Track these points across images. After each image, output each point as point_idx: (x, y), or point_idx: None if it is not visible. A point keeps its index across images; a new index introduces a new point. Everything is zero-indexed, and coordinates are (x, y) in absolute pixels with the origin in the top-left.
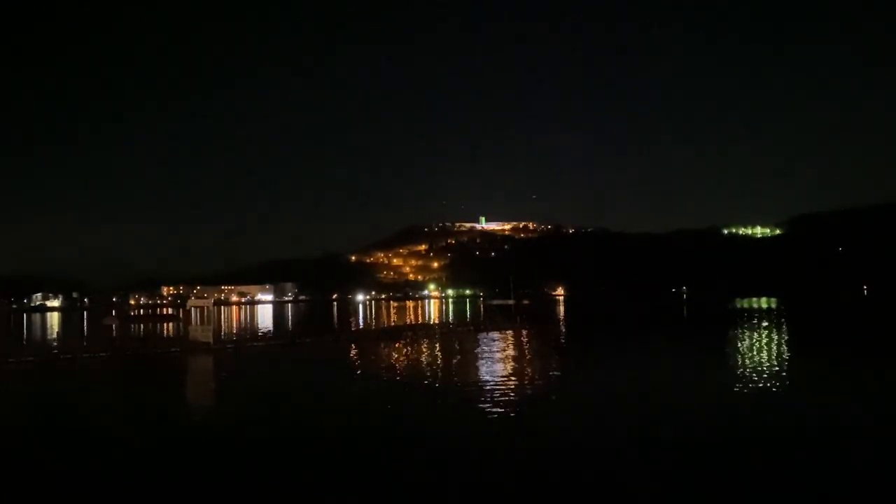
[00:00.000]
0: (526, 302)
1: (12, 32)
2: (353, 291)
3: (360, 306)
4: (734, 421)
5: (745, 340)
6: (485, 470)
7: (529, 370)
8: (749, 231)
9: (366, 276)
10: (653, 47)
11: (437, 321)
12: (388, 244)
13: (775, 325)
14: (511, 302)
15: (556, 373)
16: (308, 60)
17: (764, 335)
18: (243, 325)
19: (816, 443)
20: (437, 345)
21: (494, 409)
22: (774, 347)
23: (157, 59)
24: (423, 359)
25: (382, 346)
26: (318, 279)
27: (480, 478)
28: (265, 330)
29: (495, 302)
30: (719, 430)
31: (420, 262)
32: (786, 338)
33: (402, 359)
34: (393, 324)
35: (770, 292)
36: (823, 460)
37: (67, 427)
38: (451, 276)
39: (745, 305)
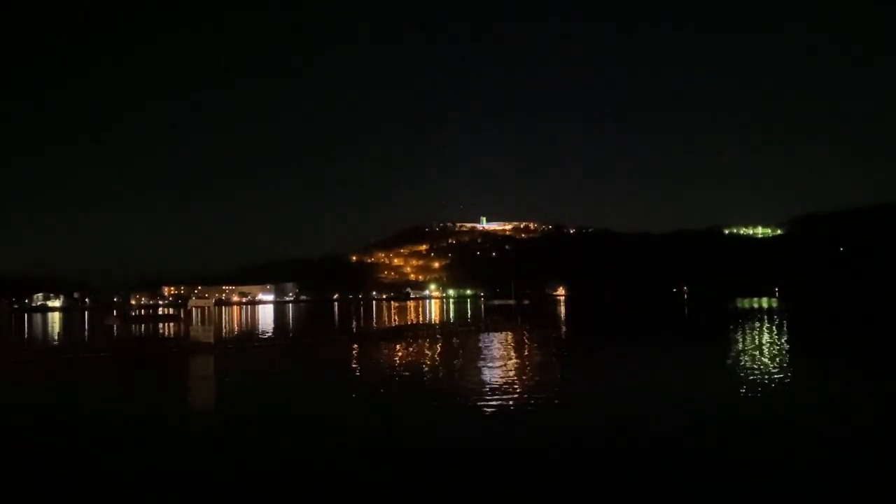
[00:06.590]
0: (526, 302)
1: (12, 31)
2: (356, 291)
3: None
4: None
5: (746, 341)
6: (483, 470)
7: (529, 372)
8: (750, 231)
9: (367, 276)
10: (653, 47)
11: (437, 321)
12: (389, 244)
13: (776, 325)
14: (512, 302)
15: (555, 375)
16: (308, 60)
17: (765, 336)
18: (244, 326)
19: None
20: (438, 346)
21: (493, 412)
22: (776, 349)
23: (156, 58)
24: (423, 359)
25: (383, 346)
26: (319, 279)
27: (478, 478)
28: (266, 330)
29: (496, 302)
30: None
31: (421, 263)
32: (787, 338)
33: (402, 359)
34: (394, 324)
35: (771, 292)
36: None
37: (65, 426)
38: (451, 277)
39: (747, 305)
